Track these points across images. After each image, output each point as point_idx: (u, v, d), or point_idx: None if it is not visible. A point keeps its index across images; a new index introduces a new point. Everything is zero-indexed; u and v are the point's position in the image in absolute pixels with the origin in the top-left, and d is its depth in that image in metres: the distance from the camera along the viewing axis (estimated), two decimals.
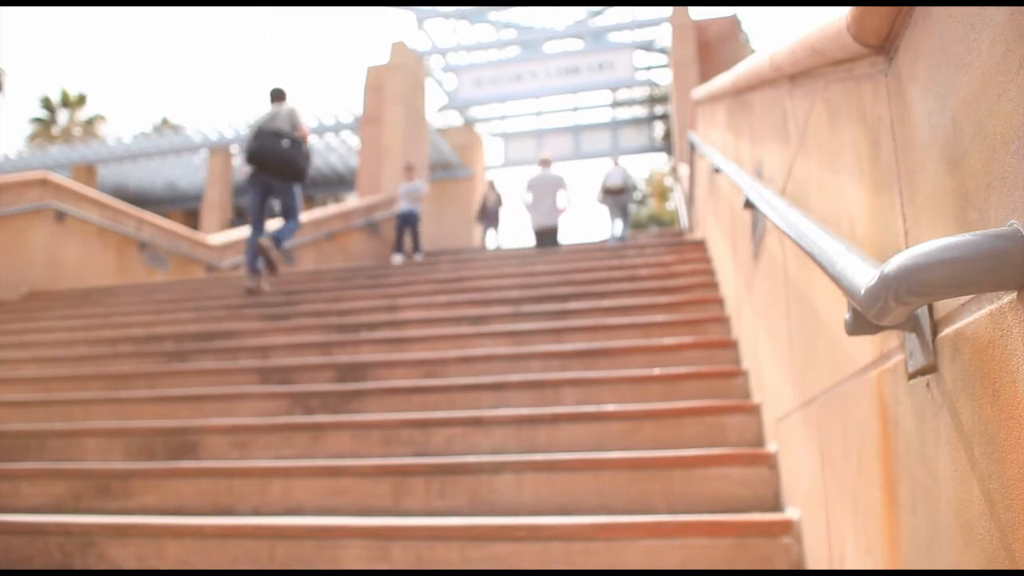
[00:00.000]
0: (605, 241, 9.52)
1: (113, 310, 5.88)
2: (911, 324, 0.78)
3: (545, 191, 7.89)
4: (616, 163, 10.61)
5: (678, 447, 2.47)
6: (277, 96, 5.93)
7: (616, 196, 9.97)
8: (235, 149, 15.30)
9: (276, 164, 5.49)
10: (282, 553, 2.08)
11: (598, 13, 15.17)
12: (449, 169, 15.63)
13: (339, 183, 17.04)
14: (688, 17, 13.52)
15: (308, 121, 6.21)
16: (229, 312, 5.28)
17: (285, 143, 5.52)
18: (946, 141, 0.70)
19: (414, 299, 4.96)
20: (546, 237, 7.79)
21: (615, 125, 16.84)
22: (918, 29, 0.77)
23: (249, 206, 5.68)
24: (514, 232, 11.45)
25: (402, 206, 10.23)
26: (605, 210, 10.12)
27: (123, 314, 5.71)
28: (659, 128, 16.72)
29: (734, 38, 13.63)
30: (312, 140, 15.18)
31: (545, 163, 8.22)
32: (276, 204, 5.80)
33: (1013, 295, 0.56)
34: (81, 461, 2.94)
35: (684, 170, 9.21)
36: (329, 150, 15.78)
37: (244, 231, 10.07)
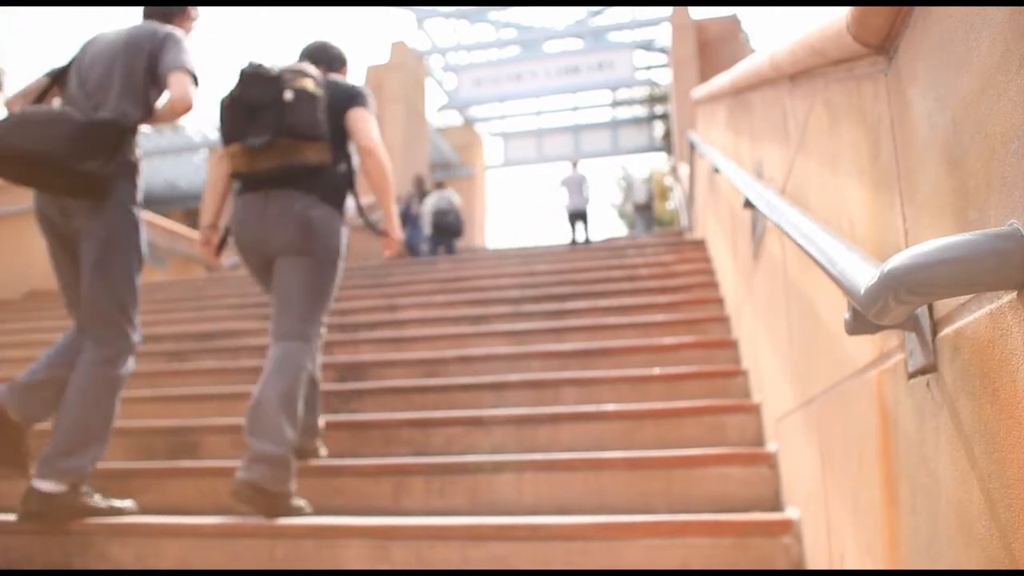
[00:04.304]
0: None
1: None
2: (911, 324, 0.78)
3: (575, 185, 10.71)
4: (642, 179, 12.54)
5: (678, 446, 2.47)
6: (439, 185, 10.64)
7: (644, 211, 12.54)
8: None
9: (449, 229, 9.81)
10: (282, 552, 2.08)
11: (598, 13, 15.18)
12: (449, 168, 15.64)
13: None
14: (688, 17, 13.52)
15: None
16: (229, 312, 5.29)
17: (451, 217, 9.82)
18: (946, 141, 0.70)
19: (414, 299, 4.97)
20: (579, 217, 10.58)
21: (615, 125, 16.86)
22: (918, 29, 0.77)
23: (429, 247, 9.99)
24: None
25: None
26: (634, 220, 11.87)
27: None
28: (659, 128, 16.72)
29: (734, 38, 13.64)
30: None
31: (574, 164, 11.26)
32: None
33: (1013, 295, 0.56)
34: None
35: (684, 170, 9.22)
36: None
37: None
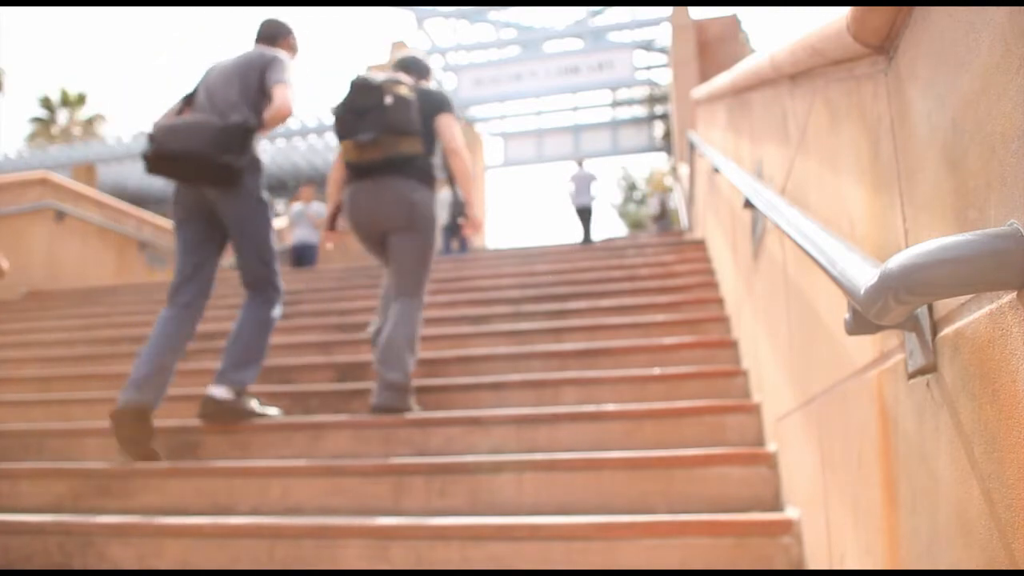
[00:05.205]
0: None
1: (113, 310, 5.88)
2: (911, 324, 0.78)
3: (583, 182, 11.07)
4: (657, 195, 13.24)
5: (678, 447, 2.47)
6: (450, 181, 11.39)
7: (659, 221, 12.97)
8: None
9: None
10: (282, 553, 2.08)
11: (598, 13, 15.18)
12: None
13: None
14: (688, 17, 13.52)
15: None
16: (229, 312, 5.28)
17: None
18: (946, 141, 0.70)
19: None
20: (585, 214, 10.98)
21: (615, 125, 16.83)
22: (918, 29, 0.77)
23: (444, 240, 9.96)
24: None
25: (296, 235, 8.11)
26: (651, 230, 12.97)
27: (123, 314, 5.71)
28: (659, 128, 16.70)
29: (734, 38, 13.65)
30: (312, 140, 15.24)
31: (580, 163, 11.59)
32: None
33: (1013, 295, 0.56)
34: (81, 461, 2.94)
35: (684, 170, 9.22)
36: (328, 149, 15.79)
37: None
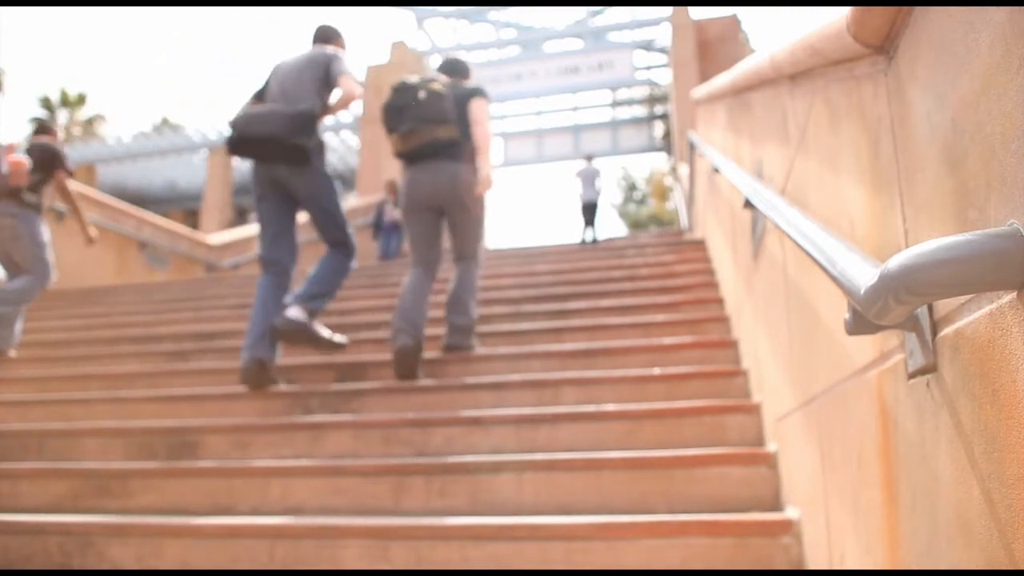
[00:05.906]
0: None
1: (113, 310, 5.88)
2: (911, 324, 0.78)
3: (588, 178, 11.33)
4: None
5: (678, 447, 2.47)
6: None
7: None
8: None
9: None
10: (282, 553, 2.08)
11: (598, 13, 15.19)
12: None
13: (339, 183, 17.02)
14: (688, 17, 13.53)
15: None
16: (229, 312, 5.28)
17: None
18: (946, 141, 0.70)
19: None
20: (590, 208, 11.11)
21: (615, 125, 16.81)
22: (918, 29, 0.77)
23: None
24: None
25: None
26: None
27: (123, 314, 5.71)
28: (659, 128, 16.69)
29: (734, 38, 13.65)
30: None
31: (588, 159, 11.71)
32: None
33: (1013, 295, 0.56)
34: (81, 461, 2.94)
35: (684, 170, 9.23)
36: (329, 150, 15.77)
37: (244, 231, 10.07)
